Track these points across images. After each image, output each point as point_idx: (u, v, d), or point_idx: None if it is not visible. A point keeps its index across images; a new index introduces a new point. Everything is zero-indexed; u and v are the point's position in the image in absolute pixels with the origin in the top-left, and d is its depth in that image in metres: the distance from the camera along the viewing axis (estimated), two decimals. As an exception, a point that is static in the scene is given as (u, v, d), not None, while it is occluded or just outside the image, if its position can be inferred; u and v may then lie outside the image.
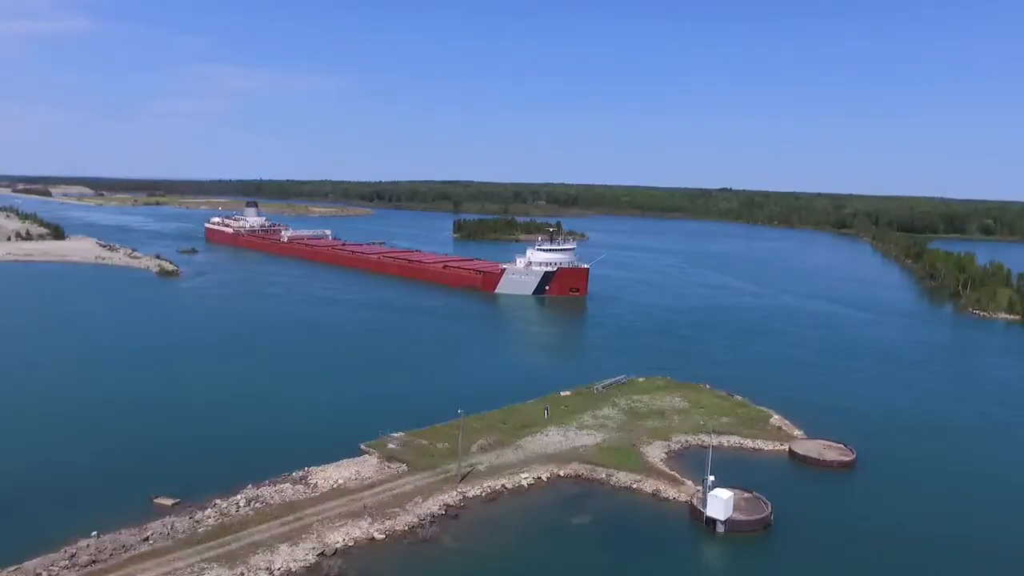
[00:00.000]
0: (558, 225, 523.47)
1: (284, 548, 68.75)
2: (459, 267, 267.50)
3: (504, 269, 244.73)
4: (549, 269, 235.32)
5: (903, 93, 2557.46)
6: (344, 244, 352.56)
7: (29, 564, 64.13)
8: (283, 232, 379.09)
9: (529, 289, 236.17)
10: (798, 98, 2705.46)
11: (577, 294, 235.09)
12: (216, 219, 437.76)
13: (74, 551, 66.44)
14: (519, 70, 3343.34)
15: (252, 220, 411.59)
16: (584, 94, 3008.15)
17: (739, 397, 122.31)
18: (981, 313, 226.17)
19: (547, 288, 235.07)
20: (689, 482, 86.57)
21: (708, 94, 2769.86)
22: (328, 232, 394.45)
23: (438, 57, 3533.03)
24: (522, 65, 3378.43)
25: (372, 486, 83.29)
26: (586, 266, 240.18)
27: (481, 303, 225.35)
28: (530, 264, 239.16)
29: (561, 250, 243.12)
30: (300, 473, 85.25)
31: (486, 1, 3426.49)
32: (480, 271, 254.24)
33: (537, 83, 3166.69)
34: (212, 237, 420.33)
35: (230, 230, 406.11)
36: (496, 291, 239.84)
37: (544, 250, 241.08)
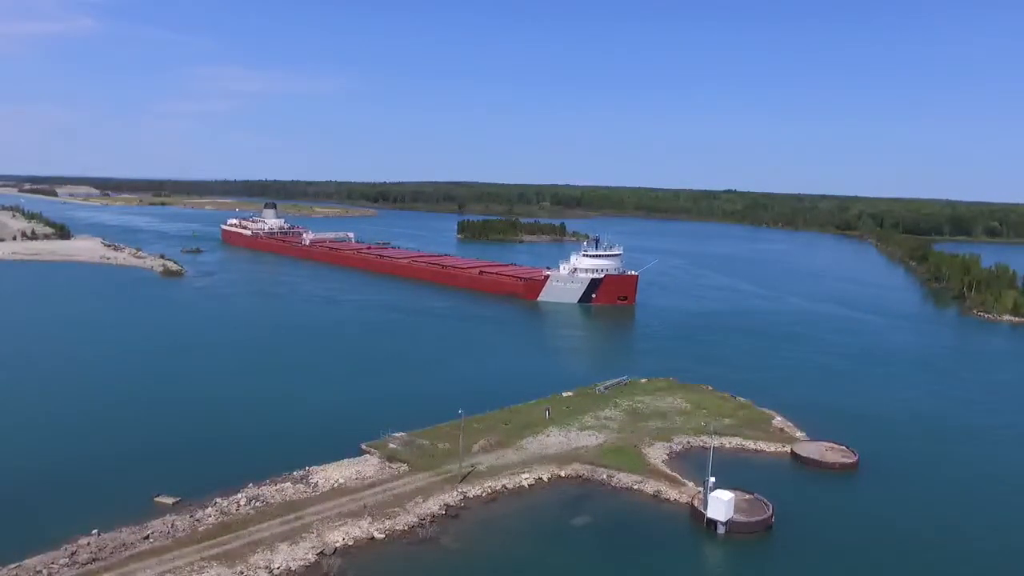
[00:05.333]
0: (561, 226, 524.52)
1: (284, 547, 68.83)
2: (498, 273, 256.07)
3: (548, 276, 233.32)
4: (596, 276, 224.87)
5: (908, 95, 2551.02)
6: (370, 247, 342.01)
7: (30, 562, 64.36)
8: (304, 235, 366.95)
9: (575, 297, 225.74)
10: (803, 100, 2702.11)
11: (626, 302, 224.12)
12: (233, 221, 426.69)
13: (75, 549, 66.66)
14: (523, 72, 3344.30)
15: (271, 222, 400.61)
16: (589, 96, 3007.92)
17: (741, 399, 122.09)
18: (986, 315, 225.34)
19: (593, 296, 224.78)
20: (690, 483, 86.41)
21: (713, 96, 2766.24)
22: (351, 235, 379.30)
23: (442, 58, 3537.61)
24: (526, 67, 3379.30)
25: (372, 486, 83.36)
26: (635, 273, 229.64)
27: (524, 311, 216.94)
28: (575, 271, 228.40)
29: (608, 256, 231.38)
30: (301, 472, 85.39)
31: (490, 3, 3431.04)
32: (522, 277, 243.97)
33: (541, 85, 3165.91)
34: (228, 239, 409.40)
35: (248, 232, 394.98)
36: (539, 299, 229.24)
37: (590, 256, 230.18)
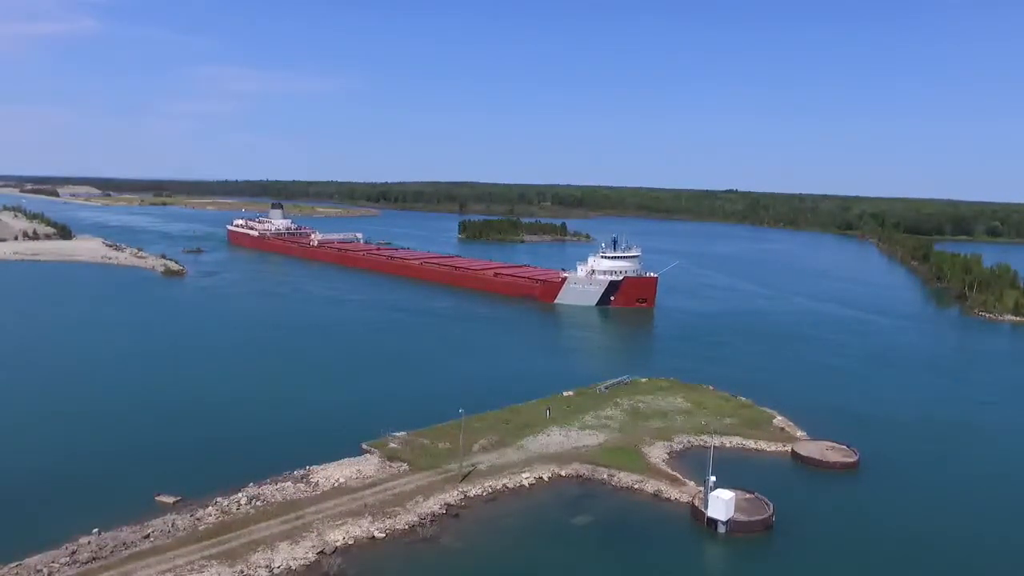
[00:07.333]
0: (562, 226, 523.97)
1: (284, 546, 68.83)
2: (513, 275, 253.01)
3: (565, 278, 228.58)
4: (615, 278, 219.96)
5: (909, 94, 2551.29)
6: (379, 248, 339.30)
7: (30, 560, 64.37)
8: (312, 235, 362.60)
9: (593, 300, 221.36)
10: (803, 100, 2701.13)
11: (644, 305, 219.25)
12: (239, 221, 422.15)
13: (75, 548, 66.64)
14: (523, 72, 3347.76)
15: (278, 223, 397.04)
16: (589, 96, 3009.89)
17: (743, 398, 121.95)
18: (987, 315, 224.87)
19: (612, 298, 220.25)
20: (691, 483, 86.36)
21: (714, 95, 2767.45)
22: (359, 235, 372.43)
23: (444, 59, 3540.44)
24: (526, 67, 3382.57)
25: (373, 485, 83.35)
26: (654, 275, 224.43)
27: (538, 313, 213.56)
28: (593, 272, 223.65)
29: (626, 257, 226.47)
30: (301, 472, 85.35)
31: (491, 4, 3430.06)
32: (538, 279, 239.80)
33: (542, 85, 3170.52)
34: (235, 240, 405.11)
35: (255, 233, 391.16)
36: (556, 301, 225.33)
37: (608, 257, 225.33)
